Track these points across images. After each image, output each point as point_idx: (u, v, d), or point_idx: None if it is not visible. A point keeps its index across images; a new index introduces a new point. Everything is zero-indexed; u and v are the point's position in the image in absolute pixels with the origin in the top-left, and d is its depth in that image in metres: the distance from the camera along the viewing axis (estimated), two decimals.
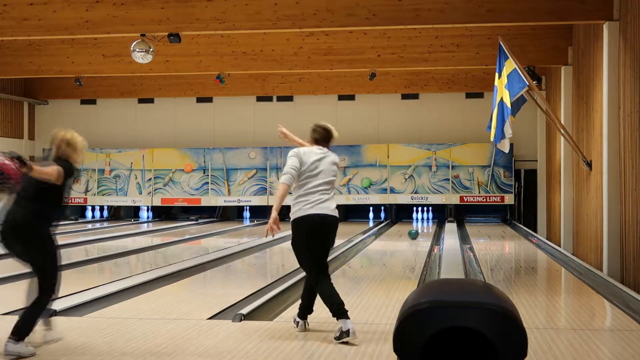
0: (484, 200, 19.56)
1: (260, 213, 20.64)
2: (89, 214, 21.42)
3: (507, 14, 10.24)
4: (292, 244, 5.89)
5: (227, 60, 15.09)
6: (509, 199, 19.43)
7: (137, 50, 12.37)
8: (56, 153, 5.50)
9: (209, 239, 15.72)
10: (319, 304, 5.76)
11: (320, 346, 5.34)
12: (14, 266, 10.32)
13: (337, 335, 5.43)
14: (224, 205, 20.78)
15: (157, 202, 20.77)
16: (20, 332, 5.08)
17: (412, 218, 20.47)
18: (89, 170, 20.79)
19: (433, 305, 3.85)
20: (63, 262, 10.10)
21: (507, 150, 11.66)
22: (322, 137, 6.22)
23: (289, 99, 20.19)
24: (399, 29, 13.50)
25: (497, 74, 11.12)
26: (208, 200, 20.62)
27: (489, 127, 11.27)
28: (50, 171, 5.18)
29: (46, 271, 5.20)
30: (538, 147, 17.92)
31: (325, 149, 6.21)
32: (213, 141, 21.02)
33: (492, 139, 11.13)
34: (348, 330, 5.40)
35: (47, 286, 5.18)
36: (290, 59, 14.77)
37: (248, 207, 20.86)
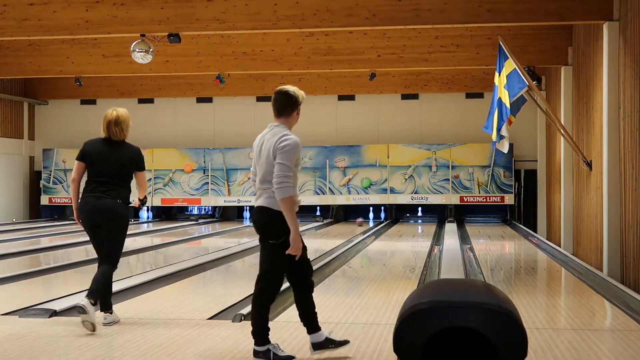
0: (484, 200, 19.55)
1: None
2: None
3: (507, 14, 10.24)
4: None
5: (227, 61, 15.10)
6: (509, 199, 19.43)
7: (137, 50, 12.37)
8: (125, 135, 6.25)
9: (209, 239, 15.73)
10: (326, 301, 5.73)
11: None
12: (13, 266, 10.33)
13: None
14: (224, 205, 20.78)
15: (157, 203, 20.77)
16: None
17: (412, 218, 20.48)
18: None
19: (433, 305, 3.85)
20: (63, 263, 10.06)
21: (505, 151, 11.65)
22: (281, 104, 5.11)
23: None
24: (398, 29, 13.50)
25: (497, 73, 11.12)
26: (208, 201, 20.62)
27: (487, 128, 11.23)
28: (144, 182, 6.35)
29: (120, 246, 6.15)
30: (538, 147, 17.91)
31: (273, 125, 5.05)
32: (213, 141, 21.02)
33: (493, 138, 11.12)
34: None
35: (115, 259, 6.11)
36: (290, 59, 14.76)
37: (248, 207, 20.84)
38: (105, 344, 5.45)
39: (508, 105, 10.51)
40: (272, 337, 5.05)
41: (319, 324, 5.05)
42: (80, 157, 6.14)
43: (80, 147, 6.18)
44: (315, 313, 5.04)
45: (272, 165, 4.82)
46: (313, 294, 5.09)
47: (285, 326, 5.97)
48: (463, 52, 14.25)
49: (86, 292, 5.92)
